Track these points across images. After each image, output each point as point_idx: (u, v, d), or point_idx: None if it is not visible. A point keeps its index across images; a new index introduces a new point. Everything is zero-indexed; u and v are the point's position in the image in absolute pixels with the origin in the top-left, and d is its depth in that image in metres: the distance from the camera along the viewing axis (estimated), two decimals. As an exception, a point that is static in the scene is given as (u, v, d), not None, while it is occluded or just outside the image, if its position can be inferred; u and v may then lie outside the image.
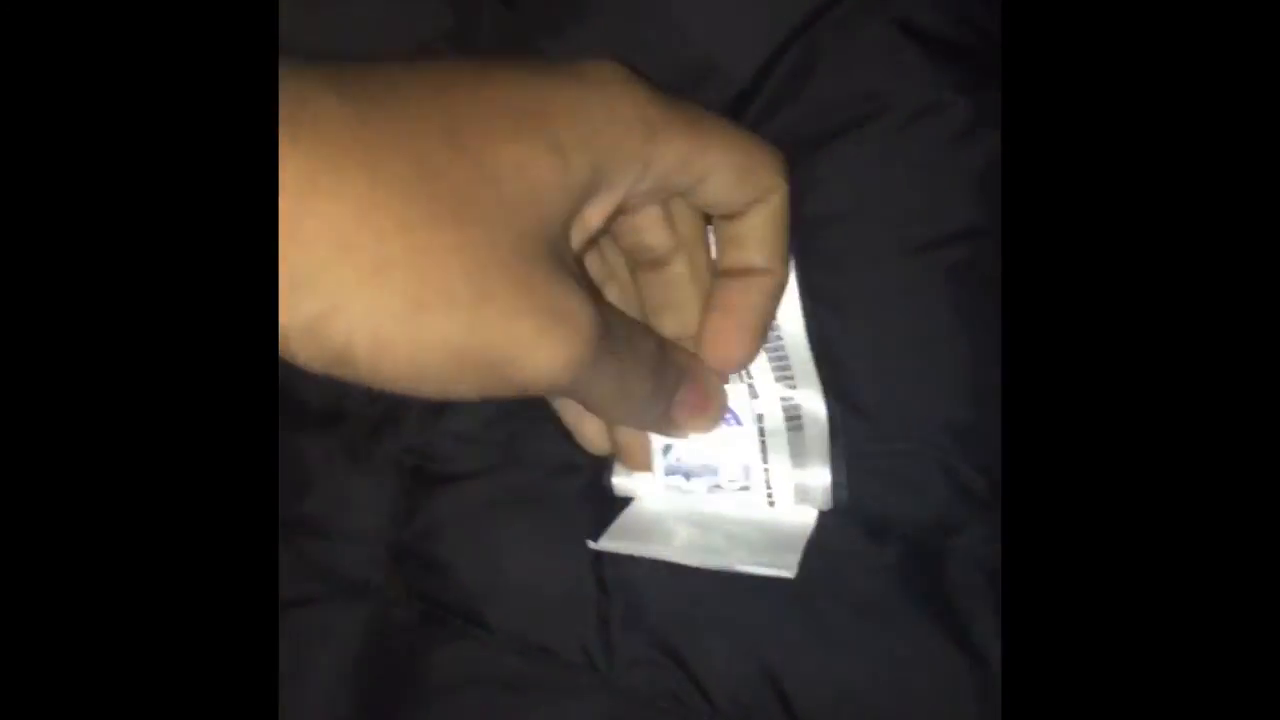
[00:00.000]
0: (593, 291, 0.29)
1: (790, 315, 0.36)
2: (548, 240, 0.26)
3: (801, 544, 0.35)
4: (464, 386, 0.25)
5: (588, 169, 0.27)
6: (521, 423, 0.39)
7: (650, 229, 0.34)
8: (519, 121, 0.26)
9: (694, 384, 0.35)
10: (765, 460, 0.37)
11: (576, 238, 0.29)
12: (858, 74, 0.36)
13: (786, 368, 0.36)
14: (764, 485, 0.37)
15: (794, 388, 0.36)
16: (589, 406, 0.32)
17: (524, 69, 0.28)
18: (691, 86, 0.36)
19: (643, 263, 0.35)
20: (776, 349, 0.36)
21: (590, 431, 0.37)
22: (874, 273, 0.36)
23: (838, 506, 0.36)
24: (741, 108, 0.36)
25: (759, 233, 0.33)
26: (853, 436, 0.36)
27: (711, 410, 0.36)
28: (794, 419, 0.36)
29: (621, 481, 0.38)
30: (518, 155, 0.25)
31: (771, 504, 0.37)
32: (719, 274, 0.35)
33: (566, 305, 0.26)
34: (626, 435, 0.37)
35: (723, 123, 0.32)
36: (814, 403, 0.36)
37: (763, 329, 0.35)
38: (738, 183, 0.32)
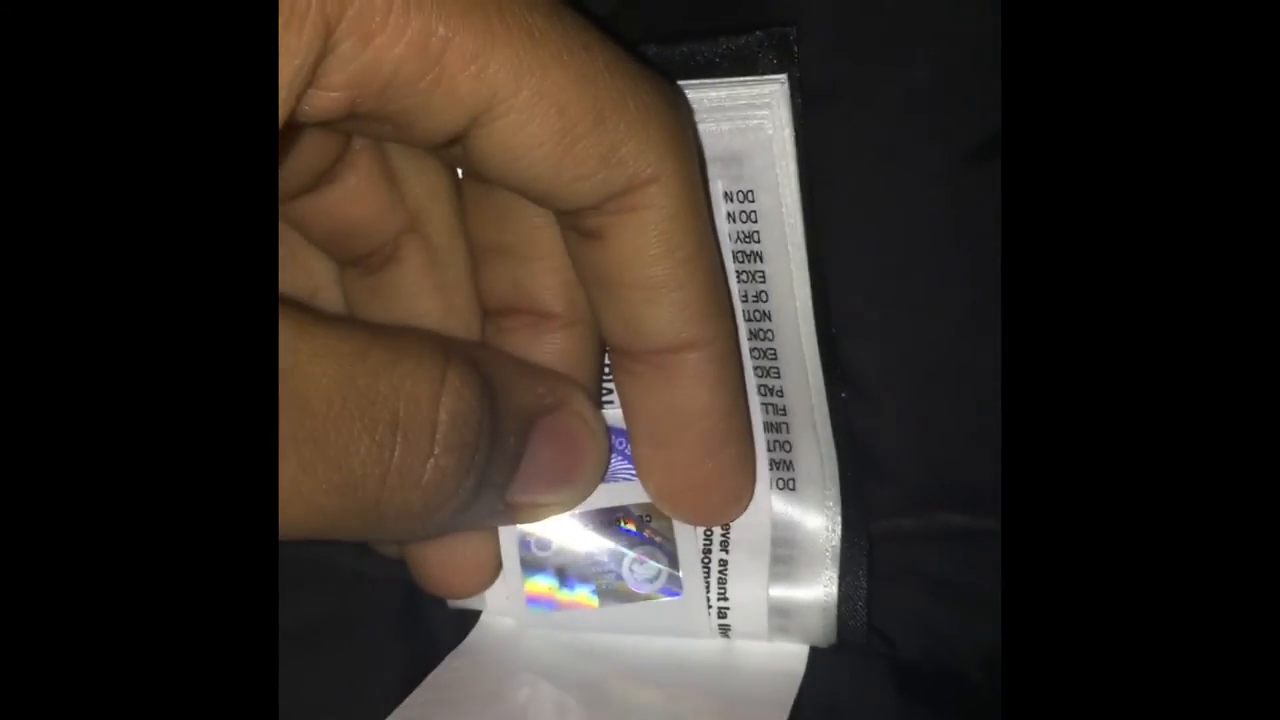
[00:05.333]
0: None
1: (790, 276, 0.19)
2: None
3: (782, 716, 0.18)
4: None
5: None
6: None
7: (354, 196, 0.19)
8: None
9: (549, 433, 0.18)
10: (713, 547, 0.20)
11: None
12: None
13: (771, 370, 0.19)
14: (709, 592, 0.20)
15: (784, 412, 0.19)
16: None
17: None
18: None
19: (350, 261, 0.20)
20: (760, 333, 0.19)
21: None
22: (885, 211, 0.19)
23: (848, 640, 0.19)
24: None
25: (646, 268, 0.17)
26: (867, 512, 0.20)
27: (585, 469, 0.19)
28: (783, 474, 0.19)
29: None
30: None
31: (725, 631, 0.20)
32: (614, 362, 0.19)
33: None
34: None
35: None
36: (814, 446, 0.19)
37: (732, 445, 0.19)
38: (565, 145, 0.16)
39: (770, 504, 0.19)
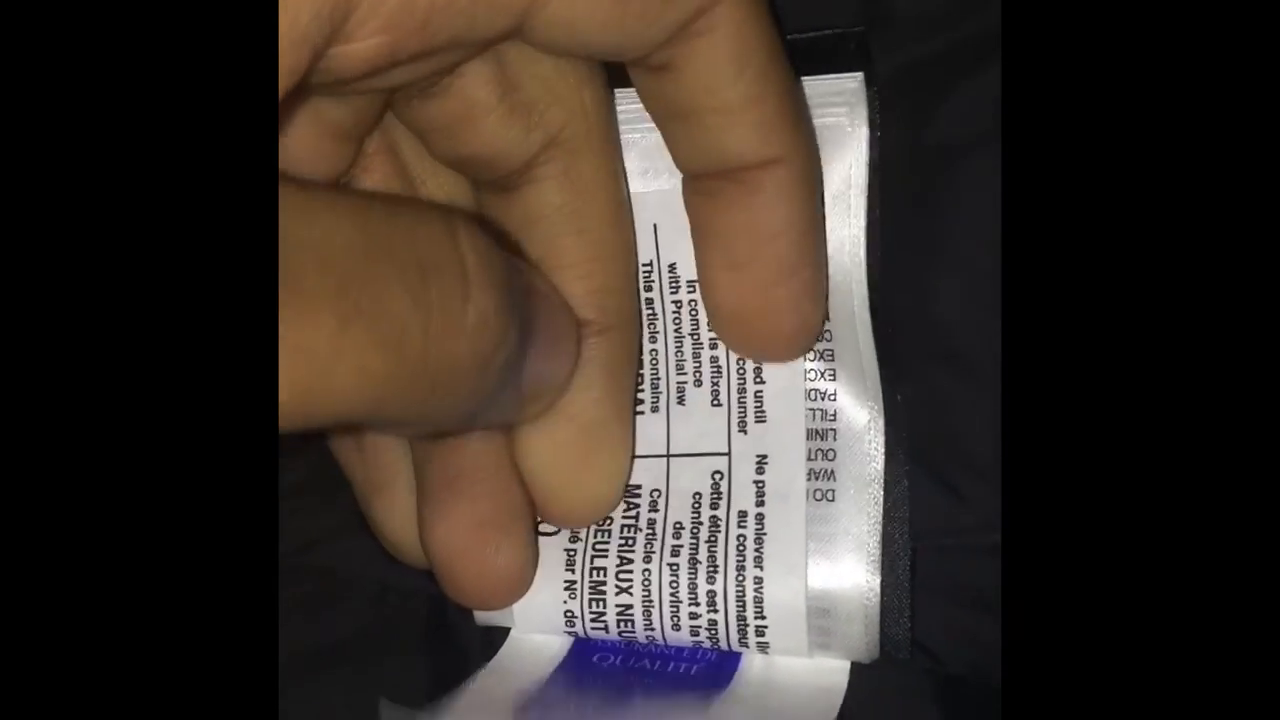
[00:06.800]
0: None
1: (849, 274, 0.19)
2: None
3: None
4: None
5: None
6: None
7: (481, 117, 0.17)
8: None
9: (546, 313, 0.17)
10: (747, 564, 0.19)
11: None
12: None
13: (827, 371, 0.19)
14: (743, 607, 0.19)
15: (833, 418, 0.19)
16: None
17: None
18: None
19: (482, 183, 0.19)
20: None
21: (395, 521, 0.20)
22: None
23: (890, 655, 0.19)
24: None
25: (721, 91, 0.16)
26: (928, 523, 0.19)
27: (569, 346, 0.18)
28: (822, 484, 0.19)
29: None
30: None
31: (763, 646, 0.19)
32: (688, 186, 0.18)
33: None
34: (448, 530, 0.19)
35: None
36: (864, 454, 0.19)
37: (807, 267, 0.18)
38: (621, 3, 0.15)
39: (805, 515, 0.19)
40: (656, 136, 0.19)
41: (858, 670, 0.19)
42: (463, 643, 0.21)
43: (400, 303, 0.14)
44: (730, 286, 0.18)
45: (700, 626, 0.19)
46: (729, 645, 0.19)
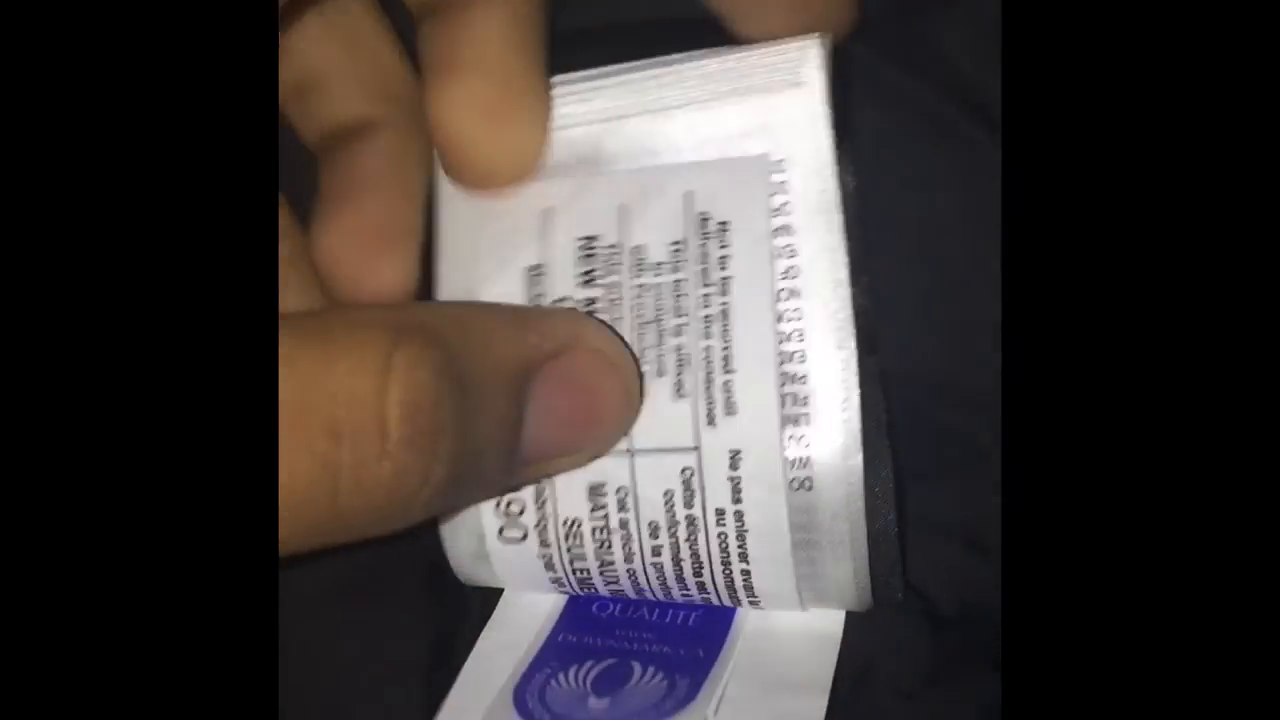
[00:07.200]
0: None
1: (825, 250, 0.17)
2: None
3: (822, 691, 0.18)
4: None
5: None
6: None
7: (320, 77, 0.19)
8: None
9: (559, 381, 0.17)
10: (732, 556, 0.18)
11: None
12: None
13: (797, 354, 0.17)
14: (734, 591, 0.19)
15: (803, 380, 0.17)
16: None
17: None
18: None
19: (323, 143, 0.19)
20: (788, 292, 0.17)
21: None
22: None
23: (883, 602, 0.19)
24: None
25: None
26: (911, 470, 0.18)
27: (610, 407, 0.17)
28: (799, 473, 0.18)
29: (465, 566, 0.20)
30: None
31: (753, 599, 0.19)
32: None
33: None
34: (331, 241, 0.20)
35: None
36: (840, 427, 0.17)
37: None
38: None
39: (786, 508, 0.18)
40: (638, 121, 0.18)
41: (854, 615, 0.19)
42: (463, 591, 0.21)
43: (304, 470, 0.13)
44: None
45: (694, 600, 0.19)
46: (723, 604, 0.19)
